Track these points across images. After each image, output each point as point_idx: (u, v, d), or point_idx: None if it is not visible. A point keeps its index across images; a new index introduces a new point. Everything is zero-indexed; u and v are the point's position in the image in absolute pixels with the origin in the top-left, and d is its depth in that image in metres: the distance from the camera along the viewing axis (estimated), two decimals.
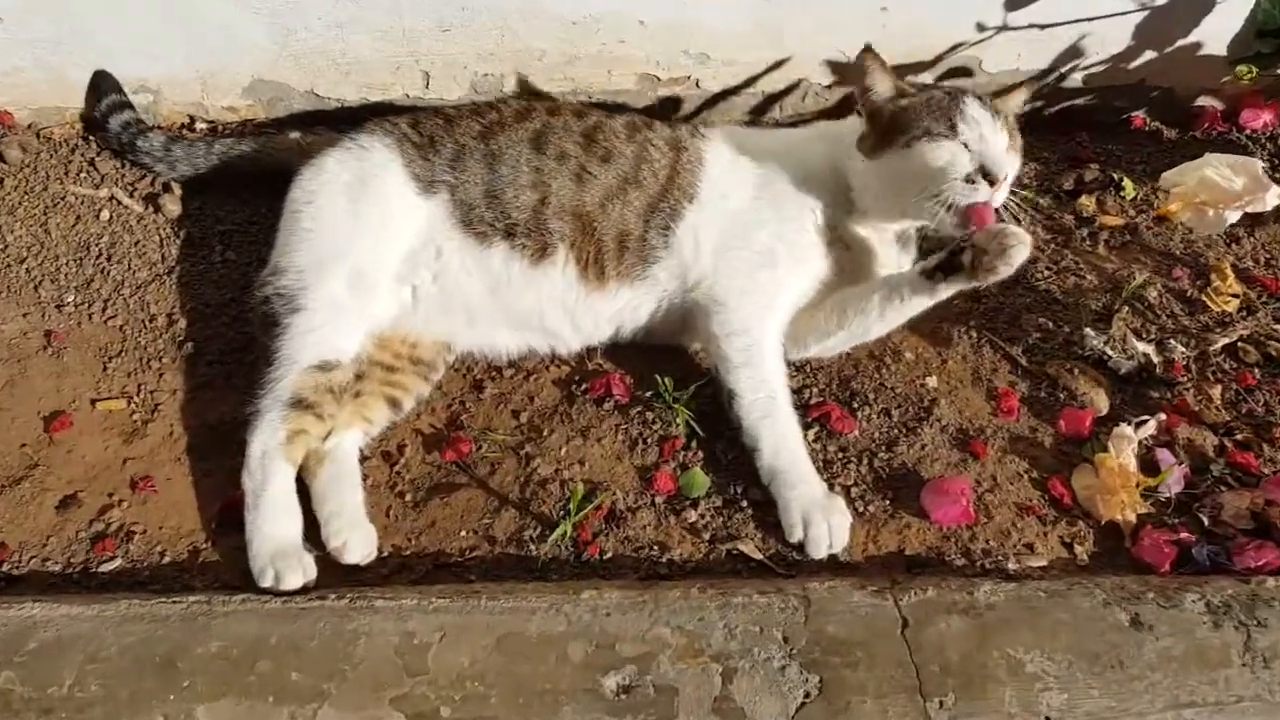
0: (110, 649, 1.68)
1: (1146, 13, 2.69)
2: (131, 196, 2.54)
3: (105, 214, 2.51)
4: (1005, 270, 1.97)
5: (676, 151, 2.24)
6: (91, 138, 2.64)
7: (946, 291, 2.07)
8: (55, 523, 1.95)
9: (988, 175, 2.02)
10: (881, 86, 2.16)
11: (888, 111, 2.14)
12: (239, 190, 2.55)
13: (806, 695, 1.64)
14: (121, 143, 2.56)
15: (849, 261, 2.23)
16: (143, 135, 2.54)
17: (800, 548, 1.93)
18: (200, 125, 2.73)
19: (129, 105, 2.61)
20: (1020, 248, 1.95)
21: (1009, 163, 2.08)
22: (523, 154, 2.20)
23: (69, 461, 2.04)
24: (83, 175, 2.58)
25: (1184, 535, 1.97)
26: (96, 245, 2.45)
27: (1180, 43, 2.78)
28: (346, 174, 2.20)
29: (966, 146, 2.05)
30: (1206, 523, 2.01)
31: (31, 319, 2.29)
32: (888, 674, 1.67)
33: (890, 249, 2.26)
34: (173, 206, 2.52)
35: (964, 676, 1.67)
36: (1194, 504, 2.04)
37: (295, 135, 2.53)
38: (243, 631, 1.71)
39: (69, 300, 2.33)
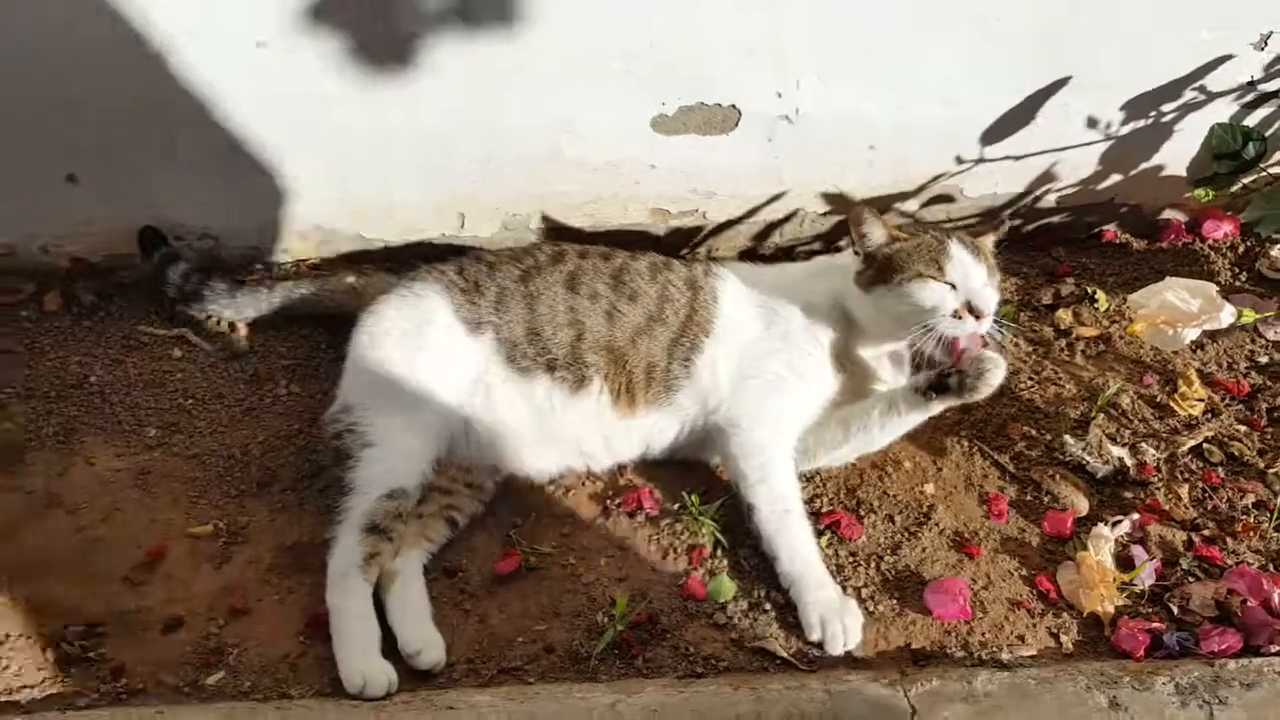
0: None
1: (1111, 142, 2.95)
2: (200, 335, 2.77)
3: (177, 352, 2.74)
4: (986, 390, 2.26)
5: (694, 290, 2.49)
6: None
7: (938, 408, 2.34)
8: (162, 643, 2.13)
9: (973, 310, 2.30)
10: (875, 235, 2.39)
11: (882, 254, 2.38)
12: (299, 328, 2.81)
13: None
14: (184, 293, 2.73)
15: (851, 381, 2.48)
16: (206, 284, 2.72)
17: (819, 645, 2.16)
18: (257, 267, 2.95)
19: (178, 256, 2.77)
20: (996, 371, 2.25)
21: (990, 297, 2.35)
22: (559, 295, 2.46)
23: (168, 587, 2.23)
24: (152, 316, 2.82)
25: (1156, 624, 2.18)
26: (172, 382, 2.67)
27: (1144, 165, 3.03)
28: (403, 320, 2.44)
29: (953, 286, 2.31)
30: (1176, 612, 2.21)
31: (118, 453, 2.49)
32: None
33: (887, 368, 2.51)
34: (240, 344, 2.76)
35: None
36: (1165, 595, 2.25)
37: (350, 279, 2.74)
38: None
39: (151, 435, 2.54)
